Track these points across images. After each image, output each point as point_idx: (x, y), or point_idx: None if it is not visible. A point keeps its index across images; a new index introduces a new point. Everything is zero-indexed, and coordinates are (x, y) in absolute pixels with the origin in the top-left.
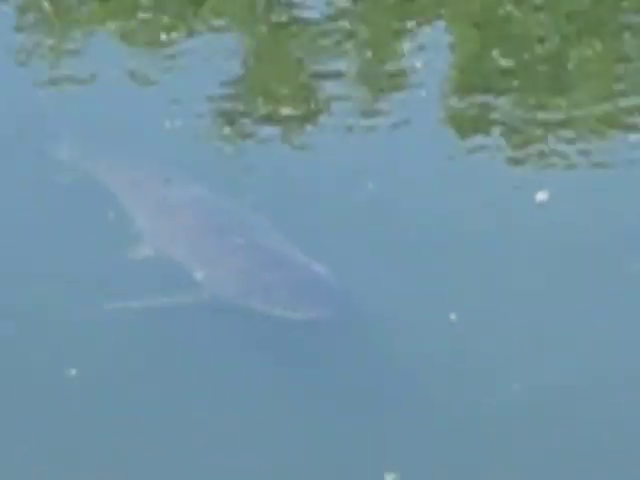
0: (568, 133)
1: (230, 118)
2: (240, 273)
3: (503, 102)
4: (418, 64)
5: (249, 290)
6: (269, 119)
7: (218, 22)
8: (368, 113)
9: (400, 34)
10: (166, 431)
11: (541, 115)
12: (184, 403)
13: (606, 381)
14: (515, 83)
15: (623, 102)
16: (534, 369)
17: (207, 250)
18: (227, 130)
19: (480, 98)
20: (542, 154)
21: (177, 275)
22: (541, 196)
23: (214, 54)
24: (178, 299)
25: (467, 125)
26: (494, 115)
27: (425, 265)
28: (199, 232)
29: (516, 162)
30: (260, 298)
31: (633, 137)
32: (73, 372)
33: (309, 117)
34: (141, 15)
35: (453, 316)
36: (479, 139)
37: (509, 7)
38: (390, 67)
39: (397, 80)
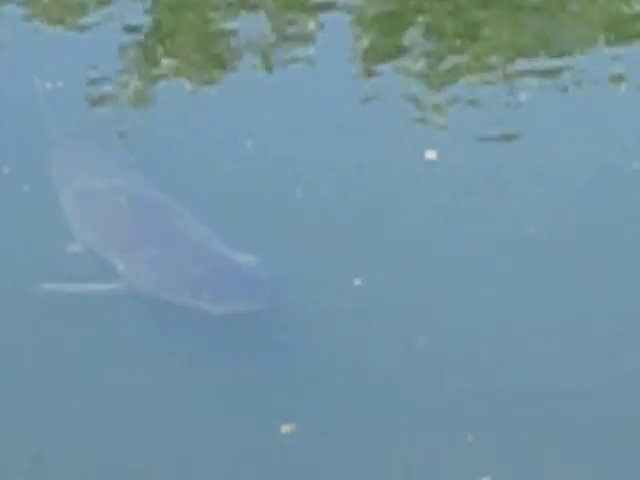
0: None
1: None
2: (159, 265)
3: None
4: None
5: (170, 282)
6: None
7: None
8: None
9: None
10: None
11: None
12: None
13: (503, 324)
14: None
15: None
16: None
17: (126, 241)
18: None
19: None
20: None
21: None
22: (430, 155)
23: None
24: (100, 288)
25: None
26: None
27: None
28: (119, 223)
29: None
30: (182, 291)
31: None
32: None
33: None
34: None
35: (357, 281)
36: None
37: None
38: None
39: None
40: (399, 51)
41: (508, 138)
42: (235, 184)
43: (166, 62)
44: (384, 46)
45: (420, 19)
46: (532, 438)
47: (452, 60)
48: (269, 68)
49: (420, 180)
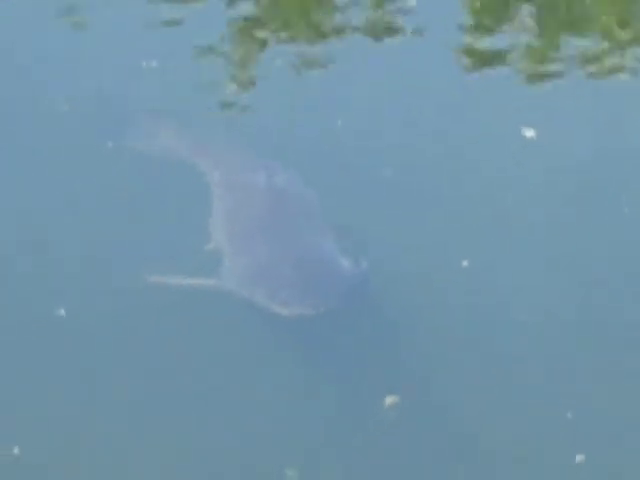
0: None
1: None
2: (250, 265)
3: None
4: None
5: (251, 282)
6: None
7: None
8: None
9: None
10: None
11: None
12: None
13: (608, 292)
14: None
15: None
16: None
17: (236, 240)
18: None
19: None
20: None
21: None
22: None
23: None
24: (201, 283)
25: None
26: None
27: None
28: (238, 222)
29: None
30: (259, 292)
31: None
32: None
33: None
34: None
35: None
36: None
37: None
38: None
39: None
40: (502, 25)
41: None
42: (339, 159)
43: (264, 35)
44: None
45: None
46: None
47: (560, 34)
48: (374, 38)
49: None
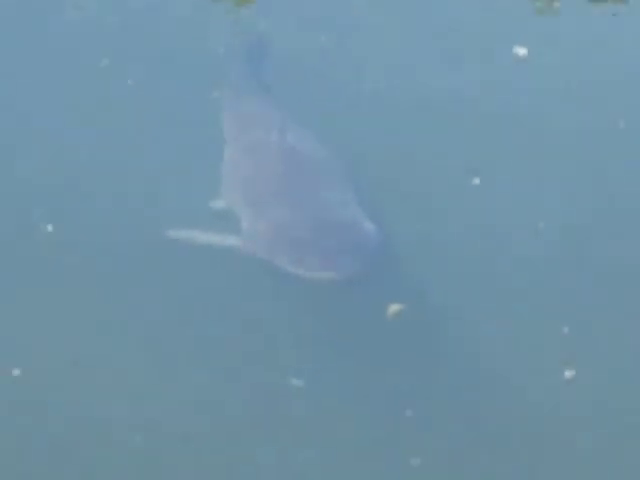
0: None
1: None
2: (272, 228)
3: None
4: None
5: (273, 246)
6: None
7: None
8: None
9: None
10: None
11: None
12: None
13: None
14: None
15: None
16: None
17: (256, 200)
18: None
19: None
20: None
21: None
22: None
23: None
24: (218, 240)
25: None
26: None
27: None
28: (258, 182)
29: None
30: (283, 256)
31: None
32: None
33: None
34: None
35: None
36: None
37: None
38: None
39: None
40: None
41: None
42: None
43: None
44: None
45: None
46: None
47: None
48: None
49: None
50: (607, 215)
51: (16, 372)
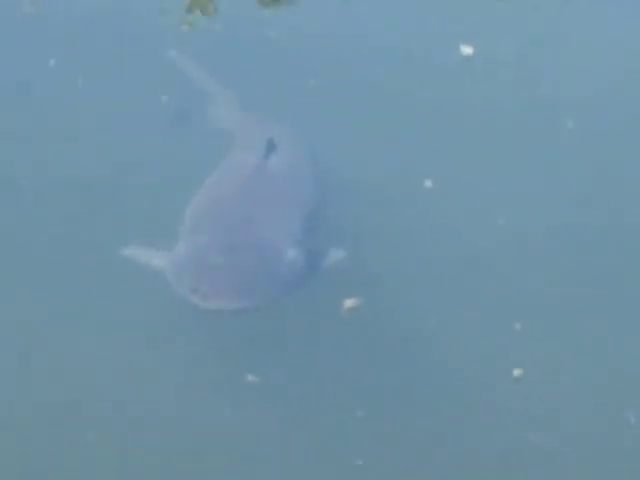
0: None
1: None
2: (180, 253)
3: None
4: None
5: (178, 271)
6: None
7: None
8: None
9: None
10: None
11: None
12: None
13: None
14: None
15: None
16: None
17: (192, 221)
18: None
19: None
20: None
21: None
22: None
23: None
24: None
25: None
26: None
27: None
28: (205, 201)
29: None
30: (182, 283)
31: None
32: None
33: None
34: None
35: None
36: None
37: None
38: None
39: None
40: None
41: None
42: None
43: None
44: None
45: None
46: None
47: None
48: None
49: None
50: (562, 213)
51: None
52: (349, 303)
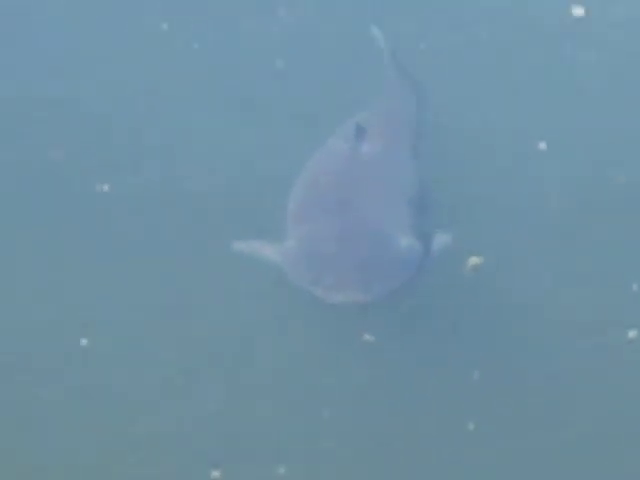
0: None
1: None
2: (301, 243)
3: None
4: None
5: (297, 262)
6: None
7: None
8: None
9: None
10: None
11: None
12: None
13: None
14: None
15: None
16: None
17: (300, 211)
18: None
19: None
20: None
21: None
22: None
23: None
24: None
25: None
26: None
27: None
28: (310, 192)
29: None
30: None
31: None
32: None
33: None
34: None
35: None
36: None
37: None
38: None
39: None
40: None
41: None
42: None
43: None
44: None
45: None
46: None
47: None
48: None
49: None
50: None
51: None
52: (473, 261)
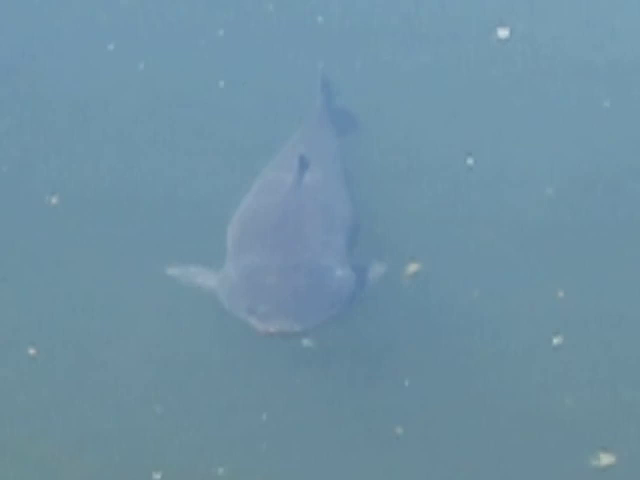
0: None
1: None
2: (237, 272)
3: None
4: None
5: (233, 291)
6: None
7: None
8: None
9: None
10: None
11: None
12: None
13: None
14: None
15: None
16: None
17: (239, 240)
18: None
19: None
20: None
21: None
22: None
23: None
24: (207, 283)
25: None
26: None
27: None
28: (250, 220)
29: None
30: (226, 299)
31: None
32: None
33: None
34: None
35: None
36: None
37: None
38: None
39: None
40: None
41: None
42: None
43: None
44: None
45: None
46: None
47: None
48: None
49: None
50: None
51: None
52: (411, 268)
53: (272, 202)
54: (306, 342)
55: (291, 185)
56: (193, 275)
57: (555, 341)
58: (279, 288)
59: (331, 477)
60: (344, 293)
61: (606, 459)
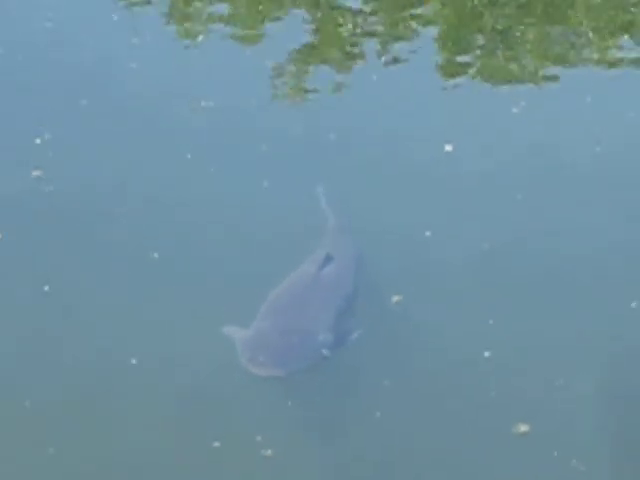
0: None
1: None
2: (246, 334)
3: None
4: None
5: (242, 346)
6: None
7: None
8: None
9: None
10: None
11: None
12: None
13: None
14: None
15: None
16: None
17: (262, 313)
18: None
19: None
20: None
21: None
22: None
23: None
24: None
25: None
26: None
27: None
28: (274, 300)
29: None
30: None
31: None
32: None
33: None
34: None
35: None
36: None
37: None
38: None
39: None
40: None
41: None
42: None
43: None
44: None
45: None
46: None
47: None
48: None
49: None
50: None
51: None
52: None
53: (296, 284)
54: (325, 352)
55: (314, 274)
56: (233, 332)
57: (486, 354)
58: (273, 346)
59: None
60: (318, 352)
61: (523, 428)
